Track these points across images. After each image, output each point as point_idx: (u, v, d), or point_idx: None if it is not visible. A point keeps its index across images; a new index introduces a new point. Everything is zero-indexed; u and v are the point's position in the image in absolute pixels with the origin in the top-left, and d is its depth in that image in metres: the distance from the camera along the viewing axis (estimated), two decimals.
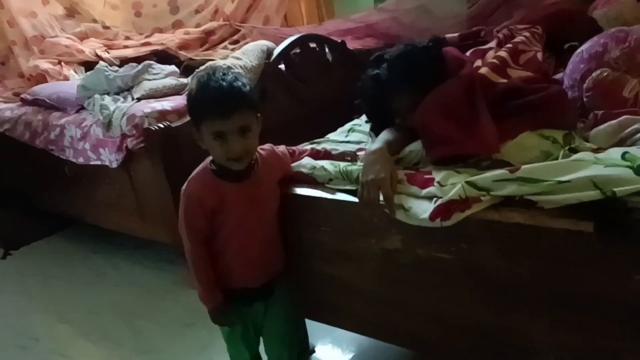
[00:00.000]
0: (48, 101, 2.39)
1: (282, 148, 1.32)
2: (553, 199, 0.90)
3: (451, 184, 1.01)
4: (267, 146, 1.26)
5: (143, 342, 1.77)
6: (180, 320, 1.84)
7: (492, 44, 1.59)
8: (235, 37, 3.06)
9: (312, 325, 1.54)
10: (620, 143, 1.04)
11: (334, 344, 1.60)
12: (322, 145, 1.55)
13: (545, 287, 0.93)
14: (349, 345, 1.58)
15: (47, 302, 2.13)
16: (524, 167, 0.96)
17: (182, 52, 2.90)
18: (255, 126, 1.12)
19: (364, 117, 1.66)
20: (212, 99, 1.07)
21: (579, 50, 1.32)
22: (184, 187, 1.17)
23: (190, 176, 1.18)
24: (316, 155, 1.36)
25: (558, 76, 1.50)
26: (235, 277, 1.21)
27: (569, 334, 0.94)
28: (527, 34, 1.69)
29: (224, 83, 1.07)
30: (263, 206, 1.21)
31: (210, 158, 1.18)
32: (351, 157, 1.39)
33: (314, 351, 1.58)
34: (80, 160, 2.12)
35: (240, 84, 1.08)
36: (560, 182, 0.90)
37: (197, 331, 1.77)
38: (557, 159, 1.02)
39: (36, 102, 2.51)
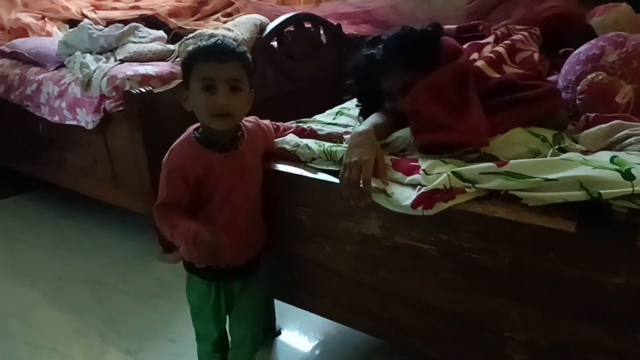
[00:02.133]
0: (27, 55, 2.29)
1: (266, 122, 1.27)
2: (538, 196, 0.88)
3: (437, 173, 0.99)
4: (251, 118, 1.21)
5: (108, 311, 1.72)
6: (148, 292, 1.80)
7: (490, 39, 1.56)
8: (228, 10, 2.98)
9: (281, 308, 1.52)
10: (609, 147, 1.03)
11: (301, 329, 1.57)
12: (308, 124, 1.51)
13: (522, 281, 0.92)
14: (316, 331, 1.56)
15: (11, 265, 2.06)
16: (511, 161, 0.94)
17: (172, 20, 2.82)
18: (246, 89, 1.08)
19: (353, 101, 1.63)
20: (210, 45, 1.04)
21: (576, 51, 1.31)
22: (165, 157, 1.10)
23: (172, 146, 1.11)
24: (301, 133, 1.33)
25: (552, 78, 1.49)
26: (214, 255, 1.13)
27: (540, 326, 0.93)
28: (526, 33, 1.68)
29: (222, 38, 1.06)
30: (249, 178, 1.16)
31: (193, 127, 1.12)
32: (337, 139, 1.36)
33: (279, 333, 1.55)
34: (56, 118, 2.04)
35: (237, 44, 1.07)
36: (547, 179, 0.88)
37: (163, 304, 1.73)
38: (545, 157, 1.00)
39: (14, 56, 2.41)
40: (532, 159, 0.95)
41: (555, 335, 0.92)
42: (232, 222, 1.13)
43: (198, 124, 1.11)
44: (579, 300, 0.87)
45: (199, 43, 1.06)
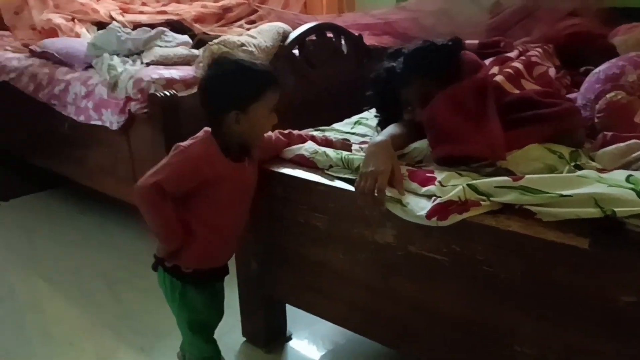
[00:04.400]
0: (57, 55, 2.36)
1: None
2: (552, 211, 0.90)
3: (452, 185, 1.01)
4: None
5: (123, 306, 1.76)
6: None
7: (513, 54, 1.58)
8: (252, 17, 3.04)
9: (292, 314, 1.54)
10: (625, 166, 1.03)
11: (311, 336, 1.58)
12: (326, 133, 1.54)
13: (534, 295, 0.93)
14: (326, 338, 1.56)
15: (29, 258, 2.11)
16: (527, 176, 0.95)
17: (197, 25, 2.88)
18: None
19: (372, 112, 1.65)
20: (270, 73, 1.15)
21: (596, 70, 1.32)
22: (184, 145, 1.13)
23: (194, 141, 1.14)
24: (315, 142, 1.35)
25: (572, 96, 1.50)
26: (206, 257, 1.19)
27: (551, 340, 0.93)
28: (540, 50, 1.69)
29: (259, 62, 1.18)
30: (249, 189, 1.23)
31: (209, 131, 1.15)
32: (348, 146, 1.37)
33: (290, 338, 1.57)
34: (82, 118, 2.10)
35: None
36: (561, 195, 0.89)
37: None
38: (561, 173, 1.01)
39: (44, 55, 2.48)
40: (548, 175, 0.96)
41: (567, 351, 0.92)
42: (224, 227, 1.19)
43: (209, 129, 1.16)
44: (590, 317, 0.87)
45: (254, 70, 1.12)
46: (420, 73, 1.21)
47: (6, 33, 3.26)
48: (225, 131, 1.13)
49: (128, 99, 1.86)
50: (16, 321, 1.71)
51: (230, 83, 1.11)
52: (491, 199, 0.96)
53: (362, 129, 1.64)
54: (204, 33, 2.78)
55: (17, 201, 2.67)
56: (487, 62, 1.48)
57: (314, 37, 2.32)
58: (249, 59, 1.16)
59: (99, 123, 2.01)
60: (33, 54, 2.57)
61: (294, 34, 2.21)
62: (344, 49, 2.51)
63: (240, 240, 1.29)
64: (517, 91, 1.28)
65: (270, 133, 1.31)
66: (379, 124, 1.44)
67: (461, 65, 1.24)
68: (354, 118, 1.73)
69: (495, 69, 1.35)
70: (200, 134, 1.16)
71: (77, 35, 2.77)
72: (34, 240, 2.25)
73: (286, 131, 1.36)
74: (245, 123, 1.11)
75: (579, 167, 1.02)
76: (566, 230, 0.88)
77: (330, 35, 2.42)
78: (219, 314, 1.28)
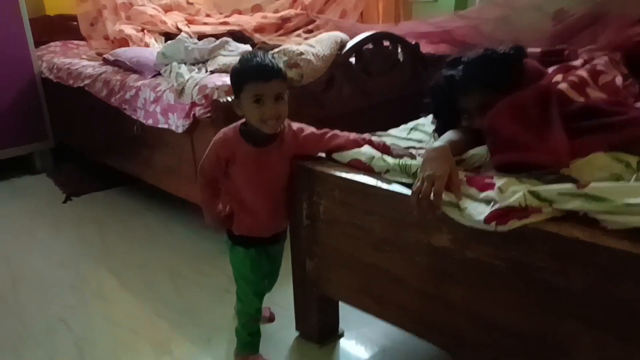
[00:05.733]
0: (128, 63, 2.53)
1: (297, 125, 1.40)
2: (620, 219, 0.88)
3: (512, 191, 1.00)
4: (286, 122, 1.36)
5: (183, 300, 1.85)
6: (220, 286, 1.90)
7: (577, 62, 1.54)
8: (310, 27, 3.12)
9: (344, 312, 1.57)
10: None
11: (363, 334, 1.60)
12: (383, 138, 1.56)
13: (596, 306, 0.91)
14: (378, 337, 1.58)
15: (100, 250, 2.25)
16: (592, 184, 0.94)
17: (257, 35, 2.99)
18: (286, 96, 1.27)
19: (429, 118, 1.66)
20: (256, 67, 1.24)
21: None
22: (219, 132, 1.36)
23: (227, 128, 1.36)
24: (372, 146, 1.38)
25: None
26: (243, 228, 1.40)
27: (612, 353, 0.91)
28: (606, 58, 1.64)
29: (264, 58, 1.26)
30: (270, 172, 1.35)
31: (243, 120, 1.33)
32: (409, 154, 1.39)
33: (342, 335, 1.60)
34: (150, 122, 2.23)
35: (275, 61, 1.26)
36: (628, 204, 0.87)
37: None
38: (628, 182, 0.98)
39: (116, 63, 2.66)
40: (614, 183, 0.95)
41: None
42: (253, 205, 1.37)
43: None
44: None
45: (246, 64, 1.26)
46: (481, 82, 1.21)
47: (82, 43, 3.52)
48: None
49: (193, 104, 1.96)
50: (85, 308, 1.83)
51: (232, 72, 1.30)
52: (554, 205, 0.95)
53: (418, 134, 1.65)
54: (264, 42, 2.89)
55: (87, 197, 2.86)
56: (550, 70, 1.46)
57: (371, 46, 2.36)
58: (253, 55, 1.26)
59: (166, 126, 2.13)
60: (106, 62, 2.77)
61: (351, 43, 2.26)
62: (400, 57, 2.53)
63: (280, 222, 1.46)
64: (582, 99, 1.25)
65: (298, 125, 1.39)
66: (436, 130, 1.45)
67: (523, 74, 1.22)
68: (410, 124, 1.74)
69: (558, 77, 1.33)
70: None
71: (147, 45, 2.95)
72: (104, 235, 2.40)
73: (330, 131, 1.40)
74: (241, 108, 1.28)
75: None
76: (633, 240, 0.86)
77: (386, 43, 2.45)
78: (261, 276, 1.45)
